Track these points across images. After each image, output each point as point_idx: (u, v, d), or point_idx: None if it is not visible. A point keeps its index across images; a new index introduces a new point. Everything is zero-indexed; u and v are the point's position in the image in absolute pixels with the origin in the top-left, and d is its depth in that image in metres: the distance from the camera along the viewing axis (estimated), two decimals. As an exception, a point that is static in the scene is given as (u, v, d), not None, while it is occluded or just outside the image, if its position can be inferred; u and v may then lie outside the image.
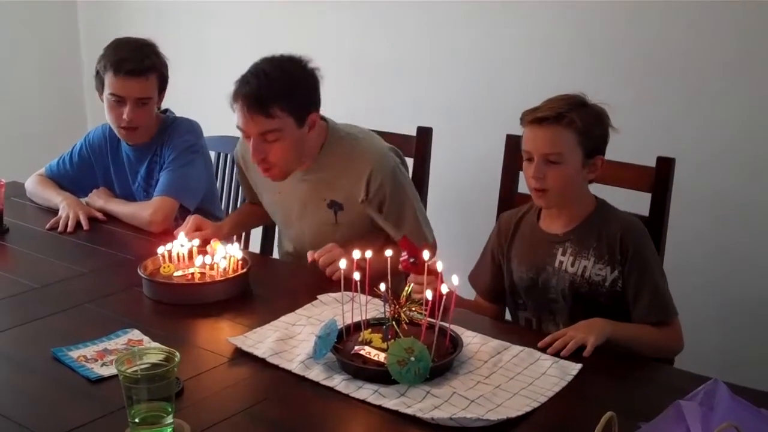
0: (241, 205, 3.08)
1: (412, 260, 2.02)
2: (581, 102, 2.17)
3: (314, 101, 2.51)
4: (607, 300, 2.17)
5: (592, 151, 2.16)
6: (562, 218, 2.24)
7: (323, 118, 2.60)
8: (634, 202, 2.40)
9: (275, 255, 3.07)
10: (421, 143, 2.85)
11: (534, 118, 2.14)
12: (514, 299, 2.35)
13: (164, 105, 3.05)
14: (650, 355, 2.05)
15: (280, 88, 2.40)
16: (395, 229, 2.52)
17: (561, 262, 2.20)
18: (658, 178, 2.38)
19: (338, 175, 2.58)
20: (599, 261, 2.16)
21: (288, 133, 2.44)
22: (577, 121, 2.12)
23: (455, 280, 1.90)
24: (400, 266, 2.03)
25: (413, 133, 2.88)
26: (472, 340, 1.99)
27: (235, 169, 3.32)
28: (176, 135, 2.99)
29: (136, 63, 2.85)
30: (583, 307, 2.18)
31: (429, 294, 1.84)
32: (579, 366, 1.87)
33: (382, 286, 1.90)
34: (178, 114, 3.11)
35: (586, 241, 2.18)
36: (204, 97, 4.09)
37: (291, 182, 2.62)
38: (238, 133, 3.08)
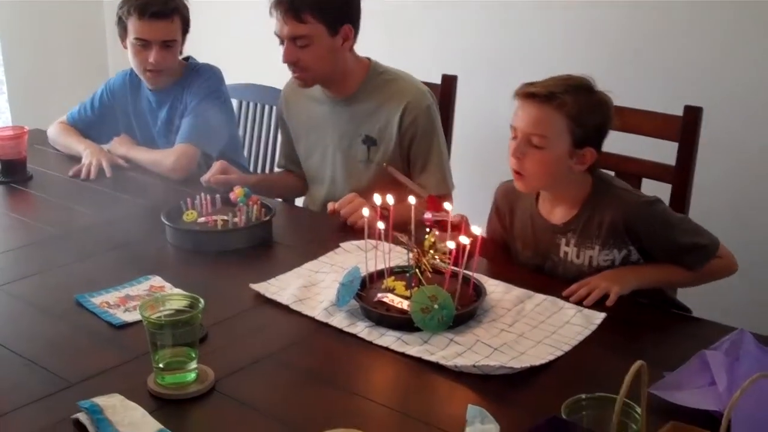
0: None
1: (436, 219, 2.01)
2: (583, 86, 2.02)
3: (349, 14, 2.55)
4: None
5: (583, 140, 2.00)
6: (559, 205, 2.12)
7: (368, 58, 2.65)
8: (661, 151, 2.37)
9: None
10: (446, 91, 2.83)
11: (525, 92, 2.01)
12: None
13: (186, 53, 3.03)
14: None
15: None
16: (420, 180, 2.52)
17: (566, 253, 2.11)
18: (686, 127, 2.35)
19: (375, 108, 2.60)
20: (605, 248, 2.05)
21: (319, 41, 2.50)
22: (570, 105, 1.97)
23: (477, 230, 1.89)
24: (424, 223, 2.02)
25: (437, 81, 2.84)
26: (495, 288, 1.99)
27: (259, 119, 3.33)
28: (198, 81, 2.99)
29: (161, 5, 2.85)
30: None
31: (452, 244, 1.83)
32: (603, 315, 1.87)
33: (404, 237, 1.90)
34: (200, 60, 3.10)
35: (587, 231, 2.07)
36: (226, 44, 4.08)
37: (331, 111, 2.66)
38: (263, 81, 3.05)
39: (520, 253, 2.22)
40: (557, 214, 2.12)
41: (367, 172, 2.63)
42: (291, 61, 2.53)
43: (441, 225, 1.98)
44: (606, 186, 2.08)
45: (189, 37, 2.99)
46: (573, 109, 1.97)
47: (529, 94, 2.00)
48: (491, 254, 2.21)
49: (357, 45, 2.62)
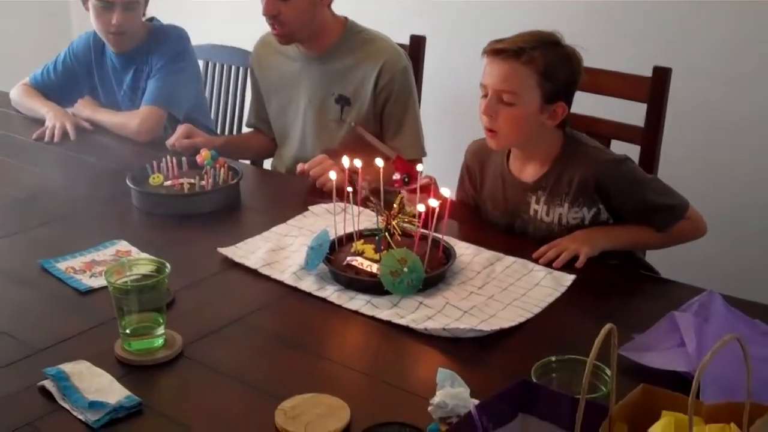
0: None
1: (405, 179, 2.01)
2: (551, 40, 2.00)
3: None
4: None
5: (554, 95, 2.00)
6: (529, 163, 2.12)
7: (345, 18, 2.63)
8: (630, 113, 2.37)
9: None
10: (414, 53, 2.80)
11: (493, 48, 2.00)
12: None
13: (150, 14, 2.99)
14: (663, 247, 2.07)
15: None
16: (393, 143, 2.51)
17: (535, 211, 2.11)
18: (654, 88, 2.34)
19: (351, 67, 2.59)
20: (574, 205, 2.05)
21: None
22: (539, 60, 1.96)
23: (446, 192, 1.88)
24: (393, 185, 2.01)
25: (405, 41, 2.82)
26: (465, 251, 1.99)
27: (225, 80, 3.29)
28: (163, 42, 2.95)
29: None
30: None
31: (421, 207, 1.83)
32: (572, 277, 1.87)
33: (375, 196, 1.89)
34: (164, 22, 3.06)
35: (557, 188, 2.07)
36: (191, 4, 4.03)
37: (304, 68, 2.64)
38: (230, 42, 3.01)
39: (489, 212, 2.21)
40: (528, 172, 2.12)
41: (338, 132, 2.61)
42: (272, 13, 2.49)
43: (410, 187, 1.97)
44: (576, 144, 2.08)
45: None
46: (542, 63, 1.96)
47: (498, 50, 1.99)
48: (461, 216, 2.20)
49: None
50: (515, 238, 2.13)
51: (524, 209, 2.12)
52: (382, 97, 2.56)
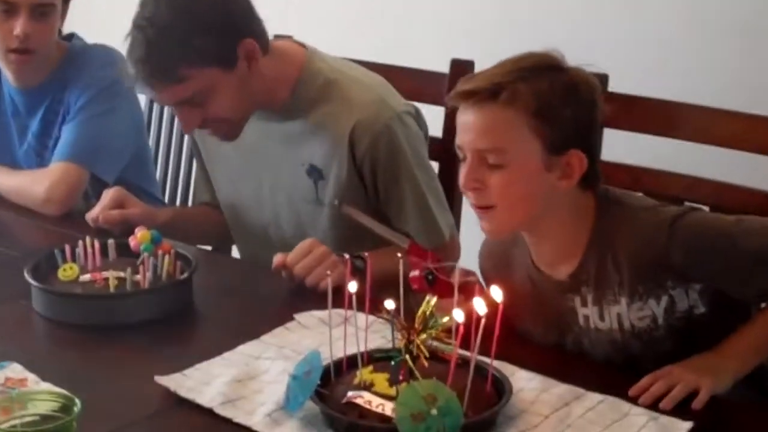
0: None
1: (428, 276, 2.02)
2: (544, 65, 2.03)
3: (239, 26, 2.53)
4: (678, 338, 2.09)
5: (562, 142, 2.01)
6: (557, 250, 2.12)
7: (301, 45, 2.65)
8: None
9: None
10: (455, 81, 2.80)
11: (461, 91, 2.02)
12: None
13: (69, 29, 3.04)
14: None
15: (177, 39, 2.44)
16: (399, 228, 2.54)
17: (586, 318, 2.11)
18: None
19: (313, 127, 2.62)
20: (635, 299, 2.05)
21: (218, 86, 2.50)
22: (526, 95, 1.97)
23: (497, 293, 1.87)
24: (412, 285, 2.03)
25: (444, 68, 2.86)
26: (526, 384, 1.98)
27: (176, 122, 3.31)
28: (87, 70, 3.01)
29: None
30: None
31: (460, 315, 1.81)
32: (689, 425, 1.85)
33: (390, 303, 1.88)
34: (90, 41, 3.12)
35: (604, 279, 2.07)
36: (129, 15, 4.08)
37: (262, 129, 2.67)
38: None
39: (531, 332, 2.22)
40: (558, 263, 2.13)
41: (318, 217, 2.64)
42: (197, 126, 2.55)
43: (436, 287, 1.98)
44: (615, 207, 2.09)
45: (75, 7, 3.00)
46: (533, 100, 1.97)
47: (467, 92, 2.01)
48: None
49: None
50: (595, 364, 2.13)
51: (571, 318, 2.13)
52: (367, 168, 2.59)
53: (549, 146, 1.99)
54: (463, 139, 2.02)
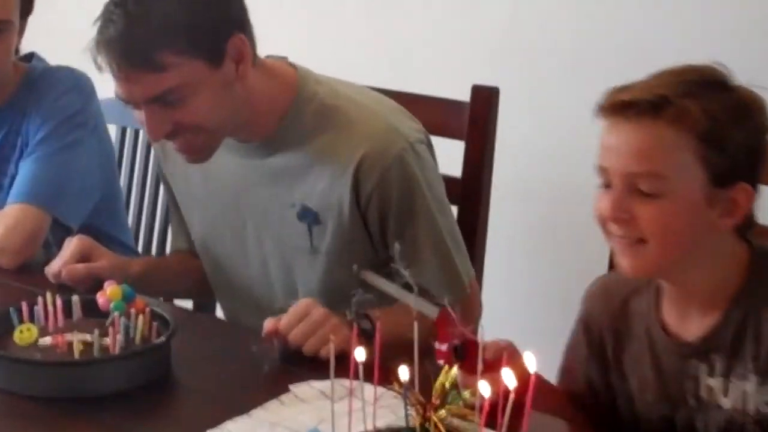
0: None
1: (456, 349, 1.97)
2: (713, 80, 1.97)
3: (233, 19, 2.51)
4: None
5: (729, 173, 1.94)
6: (692, 304, 2.06)
7: (292, 65, 2.62)
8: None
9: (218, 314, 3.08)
10: (479, 112, 2.82)
11: (615, 101, 1.96)
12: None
13: (27, 47, 3.05)
14: None
15: (164, 18, 2.40)
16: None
17: (709, 390, 2.04)
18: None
19: (307, 162, 2.57)
20: (766, 378, 1.98)
21: (200, 84, 2.45)
22: (696, 115, 1.90)
23: (531, 359, 1.78)
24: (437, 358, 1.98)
25: (465, 96, 2.84)
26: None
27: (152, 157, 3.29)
28: (49, 96, 2.99)
29: None
30: None
31: (487, 388, 1.72)
32: None
33: (404, 372, 1.80)
34: (53, 62, 3.12)
35: (740, 347, 2.00)
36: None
37: (238, 175, 2.65)
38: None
39: (637, 399, 2.15)
40: (692, 322, 2.06)
41: (313, 270, 2.60)
42: (166, 133, 2.47)
43: (466, 363, 1.93)
44: None
45: (34, 23, 2.98)
46: (702, 120, 1.90)
47: (624, 103, 1.93)
48: (560, 408, 2.17)
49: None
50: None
51: (690, 389, 2.06)
52: (373, 212, 2.54)
53: (715, 177, 1.93)
54: (610, 160, 1.95)
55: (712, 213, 1.95)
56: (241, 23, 2.50)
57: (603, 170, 1.97)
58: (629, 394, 2.16)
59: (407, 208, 2.54)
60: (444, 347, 1.96)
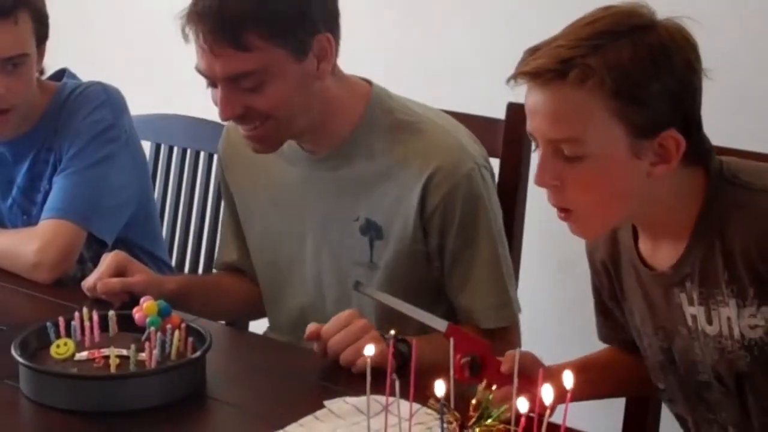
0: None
1: (471, 362, 2.00)
2: (628, 25, 1.90)
3: (324, 17, 2.52)
4: None
5: (652, 124, 1.90)
6: (657, 237, 2.05)
7: (366, 81, 2.64)
8: None
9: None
10: (514, 129, 2.80)
11: (525, 70, 1.92)
12: (654, 379, 2.23)
13: (56, 64, 3.05)
14: None
15: (258, 1, 2.43)
16: (461, 305, 2.55)
17: (693, 318, 2.02)
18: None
19: (377, 175, 2.58)
20: (746, 303, 1.95)
21: (280, 73, 2.47)
22: (600, 73, 1.86)
23: (568, 378, 1.79)
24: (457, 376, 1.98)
25: (500, 114, 2.85)
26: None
27: (190, 175, 3.32)
28: (80, 112, 2.99)
29: None
30: (763, 395, 2.02)
31: (523, 406, 1.73)
32: None
33: (440, 387, 1.81)
34: (84, 78, 3.11)
35: (710, 274, 1.97)
36: (128, 49, 4.07)
37: (308, 177, 2.66)
38: (197, 112, 3.00)
39: (641, 334, 2.15)
40: (661, 252, 2.06)
41: (369, 284, 2.56)
42: (236, 115, 2.49)
43: (485, 376, 1.96)
44: (730, 187, 1.98)
45: (62, 39, 3.01)
46: (610, 77, 1.86)
47: (532, 72, 1.91)
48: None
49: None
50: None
51: (678, 318, 2.06)
52: (435, 225, 2.54)
53: (635, 131, 1.90)
54: (532, 125, 1.95)
55: (642, 163, 1.92)
56: (330, 24, 2.53)
57: (530, 134, 1.98)
58: (637, 329, 2.16)
59: (469, 228, 2.54)
60: (461, 358, 1.99)
